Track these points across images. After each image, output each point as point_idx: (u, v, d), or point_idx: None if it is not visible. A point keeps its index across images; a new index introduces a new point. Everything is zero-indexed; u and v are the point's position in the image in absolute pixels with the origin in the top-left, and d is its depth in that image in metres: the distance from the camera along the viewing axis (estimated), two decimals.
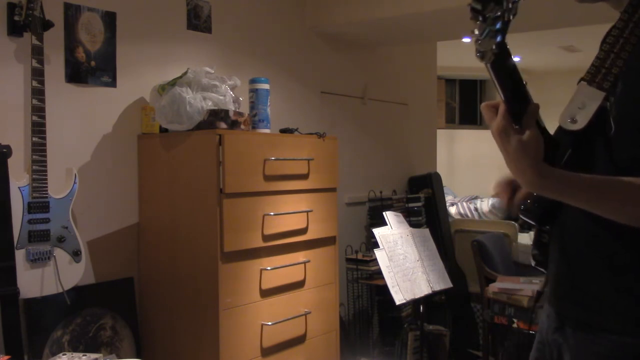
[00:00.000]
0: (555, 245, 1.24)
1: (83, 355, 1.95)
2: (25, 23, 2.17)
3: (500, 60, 0.96)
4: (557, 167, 1.06)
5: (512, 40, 0.95)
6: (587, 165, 1.11)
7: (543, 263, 1.29)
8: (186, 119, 2.38)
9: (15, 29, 2.22)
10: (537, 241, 1.30)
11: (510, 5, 0.91)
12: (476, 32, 0.94)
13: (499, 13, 0.91)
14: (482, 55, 0.95)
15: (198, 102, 2.39)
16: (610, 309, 1.12)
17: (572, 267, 1.19)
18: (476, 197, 5.60)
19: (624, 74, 1.08)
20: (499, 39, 0.93)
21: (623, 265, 1.11)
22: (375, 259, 3.02)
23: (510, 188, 1.22)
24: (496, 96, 1.09)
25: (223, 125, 2.40)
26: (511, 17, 0.92)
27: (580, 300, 1.17)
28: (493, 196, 1.07)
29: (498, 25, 0.92)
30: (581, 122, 1.09)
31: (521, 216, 1.21)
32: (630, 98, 1.07)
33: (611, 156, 1.09)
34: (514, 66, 0.99)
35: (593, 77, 1.10)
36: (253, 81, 2.71)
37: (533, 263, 1.32)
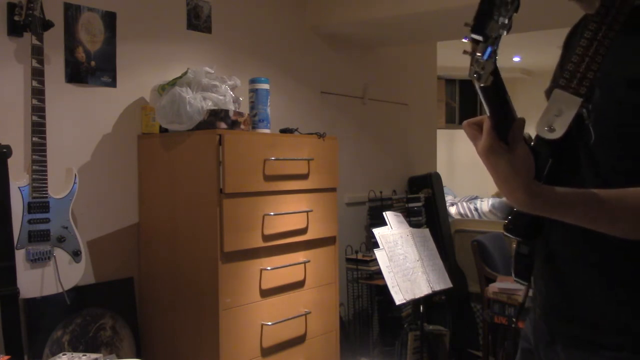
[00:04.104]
0: (540, 258, 1.18)
1: (83, 355, 1.95)
2: (25, 23, 2.17)
3: (496, 81, 0.88)
4: (539, 179, 1.00)
5: (512, 40, 0.91)
6: (569, 175, 1.05)
7: (524, 276, 1.22)
8: (186, 119, 2.38)
9: (15, 29, 2.22)
10: (517, 253, 1.22)
11: (506, 21, 0.83)
12: (478, 53, 0.85)
13: (501, 31, 0.83)
14: (478, 77, 0.86)
15: (198, 102, 2.39)
16: (605, 323, 1.07)
17: (563, 280, 1.13)
18: (476, 197, 5.60)
19: (600, 79, 1.03)
20: (496, 58, 0.85)
21: (618, 277, 1.06)
22: (375, 259, 3.02)
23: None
24: None
25: (223, 125, 2.40)
26: (505, 32, 0.85)
27: (573, 315, 1.11)
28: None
29: (497, 45, 0.84)
30: (559, 130, 1.02)
31: (507, 234, 1.15)
32: (608, 105, 1.03)
33: (593, 166, 1.05)
34: (503, 84, 0.91)
35: (569, 82, 1.04)
36: (253, 81, 2.71)
37: (513, 275, 1.23)
